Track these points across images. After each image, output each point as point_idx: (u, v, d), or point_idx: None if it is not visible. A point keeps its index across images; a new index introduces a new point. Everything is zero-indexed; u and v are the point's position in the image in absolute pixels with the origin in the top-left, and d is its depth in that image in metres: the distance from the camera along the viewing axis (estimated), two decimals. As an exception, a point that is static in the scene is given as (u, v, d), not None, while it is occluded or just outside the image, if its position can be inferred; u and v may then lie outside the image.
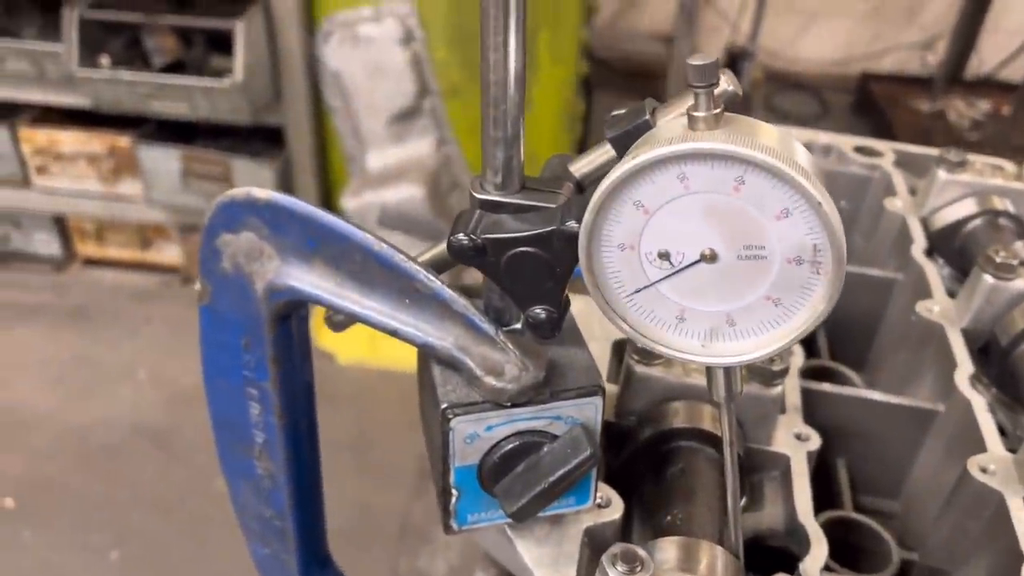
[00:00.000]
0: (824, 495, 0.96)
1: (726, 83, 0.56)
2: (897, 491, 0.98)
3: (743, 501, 0.81)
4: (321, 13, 3.00)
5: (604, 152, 0.63)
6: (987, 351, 0.96)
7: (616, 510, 0.73)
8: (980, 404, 0.86)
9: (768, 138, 0.50)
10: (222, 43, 2.96)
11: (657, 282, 0.55)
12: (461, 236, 0.58)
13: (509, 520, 0.70)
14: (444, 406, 0.64)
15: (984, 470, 0.79)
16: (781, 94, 4.78)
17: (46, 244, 3.59)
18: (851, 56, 4.80)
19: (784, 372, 0.78)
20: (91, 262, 3.67)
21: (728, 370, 0.60)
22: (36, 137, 3.30)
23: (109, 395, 3.05)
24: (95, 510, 2.73)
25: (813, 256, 0.51)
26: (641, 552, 0.60)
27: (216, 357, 0.81)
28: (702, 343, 0.56)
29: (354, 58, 3.07)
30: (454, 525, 0.70)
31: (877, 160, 1.25)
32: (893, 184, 1.20)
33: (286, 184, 3.28)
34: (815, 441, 0.82)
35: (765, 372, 0.78)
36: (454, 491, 0.68)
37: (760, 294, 0.54)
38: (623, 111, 0.61)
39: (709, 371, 0.61)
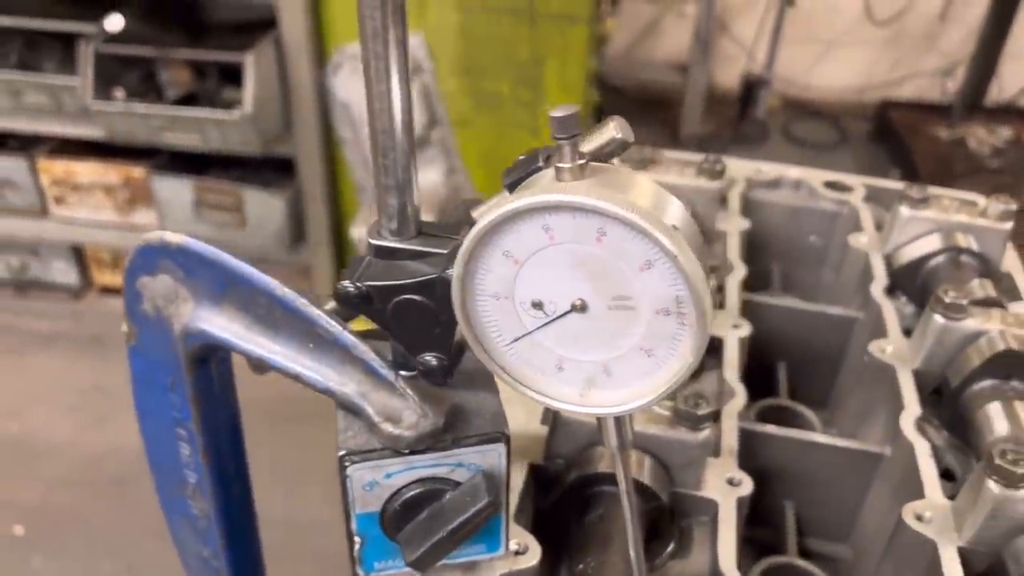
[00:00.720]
0: (772, 539, 0.95)
1: (615, 131, 0.55)
2: (847, 535, 0.96)
3: (671, 547, 0.80)
4: (331, 45, 3.04)
5: (503, 199, 0.62)
6: (940, 393, 0.94)
7: (533, 557, 0.72)
8: (923, 448, 0.84)
9: (633, 190, 0.50)
10: (235, 75, 3.01)
11: (533, 331, 0.54)
12: (346, 283, 0.58)
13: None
14: (342, 453, 0.64)
15: (920, 518, 0.77)
16: (798, 122, 4.75)
17: (64, 273, 3.66)
18: (869, 84, 4.76)
19: (710, 416, 0.77)
20: (108, 290, 3.73)
21: (618, 419, 0.59)
22: (54, 168, 3.37)
23: (123, 424, 3.08)
24: (106, 538, 2.75)
25: (677, 308, 0.50)
26: (531, 602, 0.59)
27: (147, 397, 0.82)
28: (580, 393, 0.56)
29: (363, 89, 3.10)
30: (360, 572, 0.70)
31: (847, 195, 1.24)
32: (860, 220, 1.19)
33: (297, 214, 3.31)
34: (747, 486, 0.80)
35: (691, 416, 0.77)
36: (357, 538, 0.68)
37: (633, 344, 0.53)
38: (522, 157, 0.60)
39: (600, 420, 0.60)
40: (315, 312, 0.65)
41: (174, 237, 0.69)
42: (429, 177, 3.25)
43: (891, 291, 1.08)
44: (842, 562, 0.96)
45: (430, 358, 0.62)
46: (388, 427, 0.63)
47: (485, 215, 0.50)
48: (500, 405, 0.68)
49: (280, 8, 2.87)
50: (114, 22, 2.89)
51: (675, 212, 0.51)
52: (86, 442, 3.06)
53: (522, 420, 0.87)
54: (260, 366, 0.82)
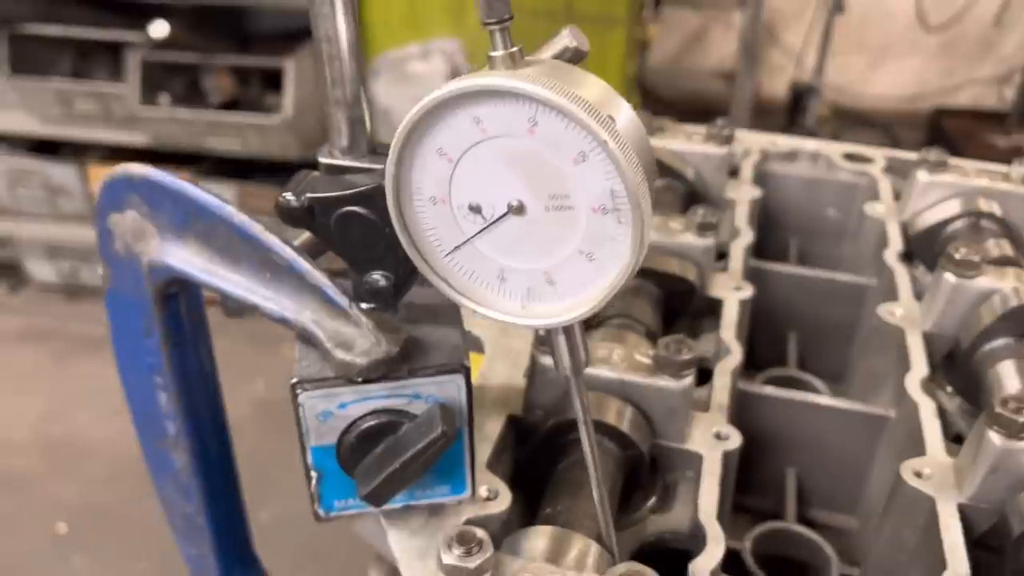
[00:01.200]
0: (772, 509, 0.90)
1: (568, 38, 0.53)
2: (853, 506, 0.91)
3: (652, 501, 0.76)
4: (371, 52, 3.07)
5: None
6: (953, 357, 0.88)
7: (502, 503, 0.70)
8: (928, 408, 0.79)
9: (574, 84, 0.47)
10: (277, 82, 3.05)
11: (472, 237, 0.52)
12: (288, 196, 0.57)
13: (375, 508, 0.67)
14: (293, 380, 0.62)
15: (919, 474, 0.72)
16: (849, 131, 4.65)
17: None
18: (923, 92, 4.65)
19: (693, 362, 0.74)
20: (154, 296, 3.79)
21: (570, 340, 0.56)
22: (103, 175, 3.44)
23: (163, 425, 3.11)
24: (145, 538, 2.77)
25: (613, 203, 0.47)
26: (480, 534, 0.57)
27: (125, 345, 0.81)
28: (522, 304, 0.53)
29: (403, 95, 3.12)
30: (320, 511, 0.68)
31: (866, 166, 1.19)
32: (878, 190, 1.14)
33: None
34: (735, 440, 0.76)
35: (672, 363, 0.74)
36: (313, 472, 0.66)
37: (573, 248, 0.50)
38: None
39: (552, 343, 0.57)
40: (271, 239, 0.64)
41: (137, 168, 0.69)
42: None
43: (908, 259, 1.03)
44: (848, 534, 0.91)
45: (378, 277, 0.60)
46: (340, 354, 0.61)
47: (414, 108, 0.48)
48: (462, 338, 0.66)
49: (320, 14, 2.90)
50: (159, 28, 2.96)
51: (618, 109, 0.49)
52: (128, 443, 3.08)
53: (505, 373, 0.85)
54: (231, 309, 0.81)
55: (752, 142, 1.24)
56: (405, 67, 3.12)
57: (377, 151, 0.60)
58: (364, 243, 0.58)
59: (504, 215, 0.50)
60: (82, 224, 3.56)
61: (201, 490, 0.85)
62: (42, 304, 3.76)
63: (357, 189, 0.56)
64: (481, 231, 0.51)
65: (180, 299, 0.75)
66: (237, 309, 0.78)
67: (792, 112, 4.53)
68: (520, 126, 0.47)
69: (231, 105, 3.22)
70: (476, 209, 0.51)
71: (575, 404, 0.59)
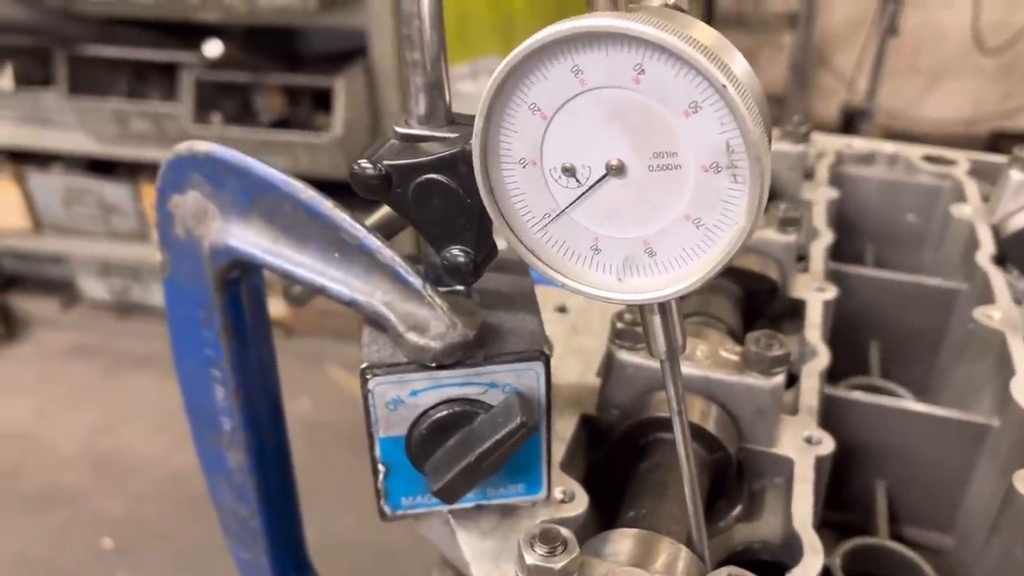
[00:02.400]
0: (860, 525, 0.84)
1: (668, -7, 0.49)
2: (949, 523, 0.84)
3: (738, 510, 0.71)
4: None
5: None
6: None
7: (579, 505, 0.65)
8: (1038, 414, 0.72)
9: (682, 24, 0.43)
10: (327, 102, 3.06)
11: (567, 208, 0.47)
12: (363, 162, 0.53)
13: (447, 505, 0.63)
14: (364, 365, 0.58)
15: (1034, 485, 0.66)
16: (903, 155, 4.55)
17: (163, 296, 3.75)
18: (979, 115, 4.54)
19: (785, 359, 0.68)
20: (202, 314, 3.80)
21: (666, 319, 0.51)
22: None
23: (208, 443, 3.11)
24: (188, 555, 2.76)
25: (729, 159, 0.43)
26: (565, 533, 0.52)
27: (181, 336, 0.79)
28: (618, 277, 0.49)
29: (451, 115, 3.11)
30: (387, 509, 0.63)
31: (949, 168, 1.13)
32: (965, 192, 1.08)
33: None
34: (827, 445, 0.71)
35: (763, 359, 0.68)
36: (381, 466, 0.61)
37: (678, 213, 0.46)
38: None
39: (645, 323, 0.52)
40: (340, 215, 0.61)
41: (201, 145, 0.67)
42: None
43: (1001, 263, 0.97)
44: (943, 553, 0.84)
45: (457, 252, 0.56)
46: (414, 337, 0.57)
47: (506, 58, 0.44)
48: (540, 326, 0.61)
49: (371, 35, 2.91)
50: (213, 47, 2.99)
51: (733, 55, 0.44)
52: (173, 460, 3.11)
53: (577, 371, 0.80)
54: (294, 297, 0.78)
55: (826, 144, 1.18)
56: (454, 86, 3.11)
57: (456, 121, 0.56)
58: (444, 215, 0.54)
59: (602, 178, 0.46)
60: (134, 242, 3.59)
61: (256, 491, 0.81)
62: (94, 321, 3.80)
63: (438, 155, 0.52)
64: (577, 200, 0.47)
65: (241, 286, 0.72)
66: (301, 297, 0.75)
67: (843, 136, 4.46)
68: (624, 75, 0.43)
69: (282, 124, 3.23)
70: (570, 171, 0.47)
71: (669, 393, 0.54)
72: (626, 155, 0.45)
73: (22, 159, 3.52)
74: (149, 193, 3.50)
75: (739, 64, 0.44)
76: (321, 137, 3.03)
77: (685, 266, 0.47)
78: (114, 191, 3.51)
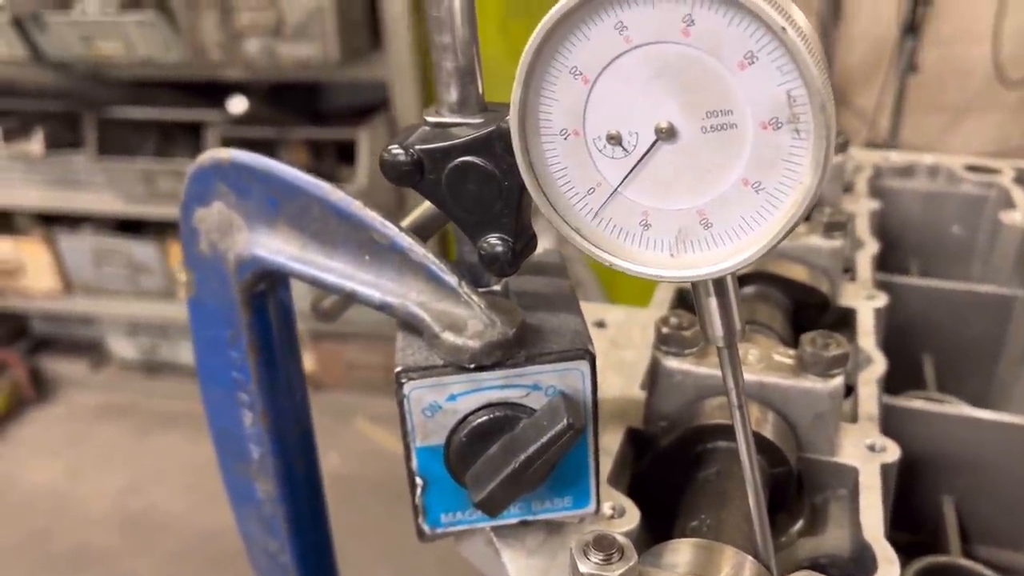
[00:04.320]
0: (928, 543, 0.78)
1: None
2: (1022, 539, 0.78)
3: (799, 524, 0.66)
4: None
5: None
6: None
7: (630, 520, 0.60)
8: (1119, 415, 0.67)
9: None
10: (351, 156, 3.07)
11: (619, 187, 0.44)
12: (394, 148, 0.50)
13: (490, 522, 0.59)
14: (398, 369, 0.55)
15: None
16: (930, 191, 4.50)
17: (190, 354, 3.74)
18: (1004, 149, 4.48)
19: (844, 359, 0.64)
20: (229, 371, 3.79)
21: (723, 299, 0.48)
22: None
23: (235, 502, 3.07)
24: (214, 614, 2.71)
25: (791, 111, 0.40)
26: (621, 540, 0.48)
27: (208, 359, 0.76)
28: (671, 253, 0.45)
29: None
30: (425, 527, 0.59)
31: (993, 177, 1.09)
32: (1012, 199, 1.04)
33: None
34: (893, 452, 0.66)
35: (819, 360, 0.64)
36: (419, 479, 0.58)
37: (735, 178, 0.42)
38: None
39: (700, 305, 0.49)
40: (370, 215, 0.58)
41: (224, 152, 0.65)
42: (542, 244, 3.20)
43: (1057, 268, 0.92)
44: (1018, 574, 0.78)
45: (495, 240, 0.52)
46: (450, 337, 0.54)
47: (544, 18, 0.42)
48: (583, 325, 0.58)
49: (392, 87, 2.93)
50: (238, 104, 3.02)
51: (788, 2, 0.41)
52: (202, 518, 3.07)
53: (619, 386, 0.76)
54: (323, 312, 0.75)
55: (864, 158, 1.15)
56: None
57: (489, 109, 0.54)
58: (480, 200, 0.51)
59: (653, 146, 0.43)
60: (162, 300, 3.60)
61: (286, 522, 0.78)
62: (123, 380, 3.80)
63: (473, 135, 0.49)
64: (628, 175, 0.44)
65: (268, 300, 0.69)
66: (331, 311, 0.72)
67: (870, 174, 4.42)
68: (673, 27, 0.40)
69: (306, 178, 3.25)
70: (616, 139, 0.44)
71: (728, 384, 0.50)
72: (676, 117, 0.42)
73: (52, 221, 3.55)
74: (176, 251, 3.52)
75: (796, 11, 0.41)
76: (346, 189, 3.02)
77: (744, 236, 0.43)
78: (142, 250, 3.53)
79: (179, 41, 2.80)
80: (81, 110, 3.32)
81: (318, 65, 2.79)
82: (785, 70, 0.39)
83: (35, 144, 3.34)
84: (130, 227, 3.58)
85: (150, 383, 3.78)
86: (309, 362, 3.65)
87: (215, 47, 2.81)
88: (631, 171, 0.44)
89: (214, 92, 3.16)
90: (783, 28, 0.38)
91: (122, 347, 3.80)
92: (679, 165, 0.43)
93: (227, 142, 3.15)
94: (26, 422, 3.59)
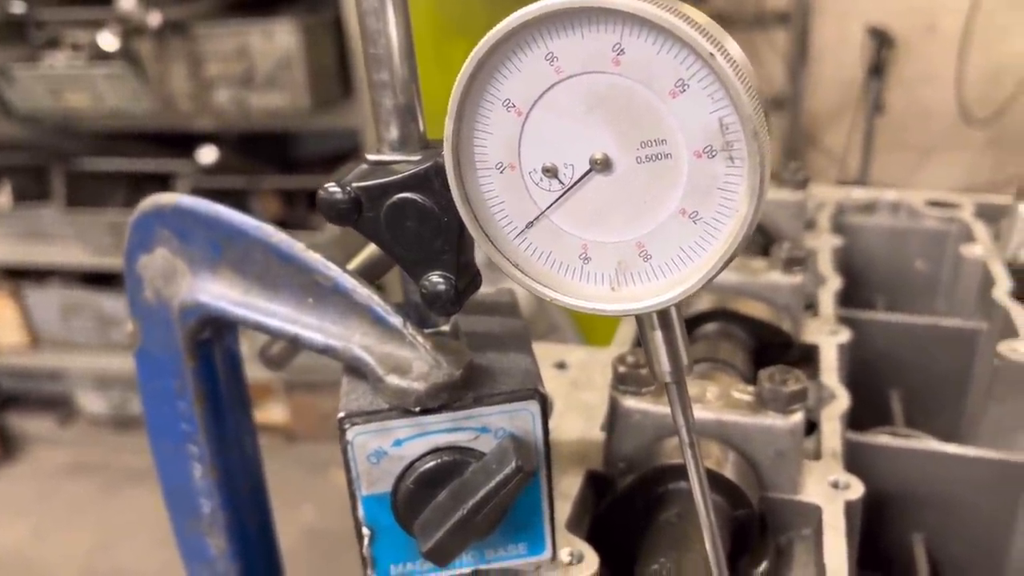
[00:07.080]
0: (900, 582, 0.77)
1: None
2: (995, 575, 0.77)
3: (763, 566, 0.64)
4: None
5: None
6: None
7: (589, 567, 0.58)
8: (1084, 445, 0.66)
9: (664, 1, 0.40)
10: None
11: (547, 209, 0.43)
12: (331, 186, 0.49)
13: (441, 572, 0.56)
14: (341, 415, 0.53)
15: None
16: (901, 229, 4.55)
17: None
18: (972, 186, 4.55)
19: (802, 394, 0.63)
20: (201, 425, 3.73)
21: (668, 333, 0.46)
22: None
23: (207, 557, 2.99)
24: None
25: (724, 139, 0.39)
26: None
27: (156, 411, 0.74)
28: (612, 287, 0.44)
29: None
30: (373, 578, 0.57)
31: (954, 212, 1.10)
32: (973, 233, 1.04)
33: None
34: (856, 489, 0.64)
35: (778, 396, 0.63)
36: (366, 530, 0.55)
37: (673, 208, 0.41)
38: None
39: (645, 340, 0.47)
40: (313, 256, 0.57)
41: (166, 197, 0.63)
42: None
43: (1018, 299, 0.92)
44: (994, 611, 0.76)
45: (436, 279, 0.51)
46: (395, 379, 0.52)
47: (474, 50, 0.41)
48: (534, 364, 0.56)
49: (363, 134, 2.94)
50: (207, 154, 3.01)
51: (722, 33, 0.41)
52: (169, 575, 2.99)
53: (579, 428, 0.74)
54: (270, 358, 0.73)
55: (826, 195, 1.15)
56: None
57: (431, 146, 0.53)
58: (419, 238, 0.50)
59: (586, 174, 0.42)
60: (131, 355, 3.54)
61: (238, 577, 0.75)
62: (91, 436, 3.72)
63: (410, 171, 0.48)
64: (559, 199, 0.43)
65: (215, 349, 0.67)
66: (279, 358, 0.70)
67: (840, 213, 4.46)
68: (603, 57, 0.39)
69: (278, 225, 3.23)
70: (551, 172, 0.43)
71: (678, 422, 0.49)
72: (611, 148, 0.41)
73: (19, 276, 3.51)
74: (147, 303, 3.47)
75: (729, 41, 0.40)
76: (314, 236, 3.02)
77: (684, 267, 0.42)
78: (111, 303, 3.48)
79: (148, 92, 2.80)
80: (49, 162, 3.30)
81: (288, 114, 2.80)
82: (716, 97, 0.38)
83: (2, 197, 3.31)
84: (99, 279, 3.54)
85: (120, 438, 3.70)
86: (282, 413, 3.60)
87: (184, 97, 2.81)
88: (559, 198, 0.43)
89: (184, 142, 3.15)
90: (711, 54, 0.37)
91: (91, 402, 3.73)
92: (616, 196, 0.42)
93: (197, 192, 3.12)
94: (-8, 481, 3.51)
